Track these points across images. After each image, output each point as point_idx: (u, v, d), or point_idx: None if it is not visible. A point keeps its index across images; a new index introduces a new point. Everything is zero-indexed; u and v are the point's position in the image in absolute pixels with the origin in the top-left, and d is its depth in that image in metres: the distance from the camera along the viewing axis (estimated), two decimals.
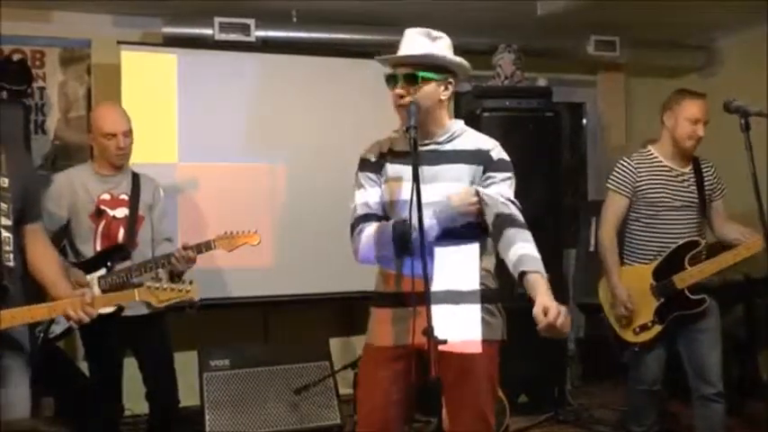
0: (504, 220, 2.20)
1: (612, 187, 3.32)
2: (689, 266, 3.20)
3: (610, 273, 3.30)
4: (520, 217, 2.23)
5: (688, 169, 3.29)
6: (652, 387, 3.31)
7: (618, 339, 3.33)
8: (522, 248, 2.15)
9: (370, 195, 2.35)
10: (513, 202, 2.26)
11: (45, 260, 2.59)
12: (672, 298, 3.21)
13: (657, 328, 3.23)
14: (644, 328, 3.26)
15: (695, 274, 3.18)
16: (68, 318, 2.50)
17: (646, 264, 3.28)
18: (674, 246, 3.23)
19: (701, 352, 3.24)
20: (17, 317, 2.44)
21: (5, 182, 2.50)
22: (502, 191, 2.26)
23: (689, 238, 3.23)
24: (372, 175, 2.37)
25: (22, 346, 2.63)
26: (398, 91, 2.25)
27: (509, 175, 2.31)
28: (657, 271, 3.25)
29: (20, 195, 2.56)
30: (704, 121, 3.22)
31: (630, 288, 3.26)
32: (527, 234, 2.20)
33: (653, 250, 3.27)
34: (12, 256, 2.47)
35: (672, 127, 3.26)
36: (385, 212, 2.34)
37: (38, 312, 2.48)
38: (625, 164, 3.31)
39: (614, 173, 3.33)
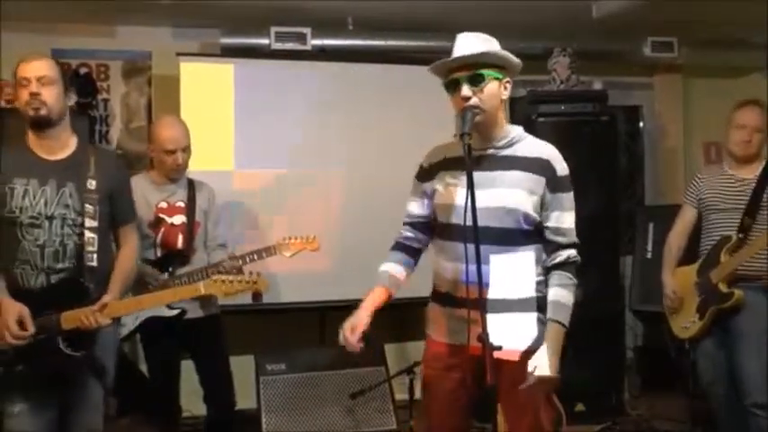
0: (553, 258, 2.29)
1: (684, 197, 3.56)
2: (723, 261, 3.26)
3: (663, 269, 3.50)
4: (566, 254, 2.28)
5: (753, 175, 3.31)
6: (709, 387, 3.36)
7: (671, 335, 3.48)
8: (555, 294, 2.26)
9: (413, 206, 2.47)
10: (567, 230, 2.28)
11: (117, 263, 2.72)
12: (709, 293, 3.27)
13: (699, 323, 3.30)
14: (691, 324, 3.35)
15: (724, 265, 3.22)
16: (81, 323, 2.53)
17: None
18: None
19: (737, 357, 3.21)
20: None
21: (93, 184, 2.57)
22: (564, 221, 2.28)
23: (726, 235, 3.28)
24: (420, 184, 2.43)
25: (110, 353, 2.73)
26: (465, 93, 2.20)
27: (571, 194, 2.31)
28: (700, 269, 3.35)
29: (107, 197, 2.64)
30: (754, 127, 3.29)
31: (682, 286, 3.39)
32: (567, 278, 2.27)
33: (704, 251, 3.37)
34: (95, 256, 2.55)
35: (725, 135, 3.38)
36: (431, 219, 2.41)
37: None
38: (695, 176, 3.54)
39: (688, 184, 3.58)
